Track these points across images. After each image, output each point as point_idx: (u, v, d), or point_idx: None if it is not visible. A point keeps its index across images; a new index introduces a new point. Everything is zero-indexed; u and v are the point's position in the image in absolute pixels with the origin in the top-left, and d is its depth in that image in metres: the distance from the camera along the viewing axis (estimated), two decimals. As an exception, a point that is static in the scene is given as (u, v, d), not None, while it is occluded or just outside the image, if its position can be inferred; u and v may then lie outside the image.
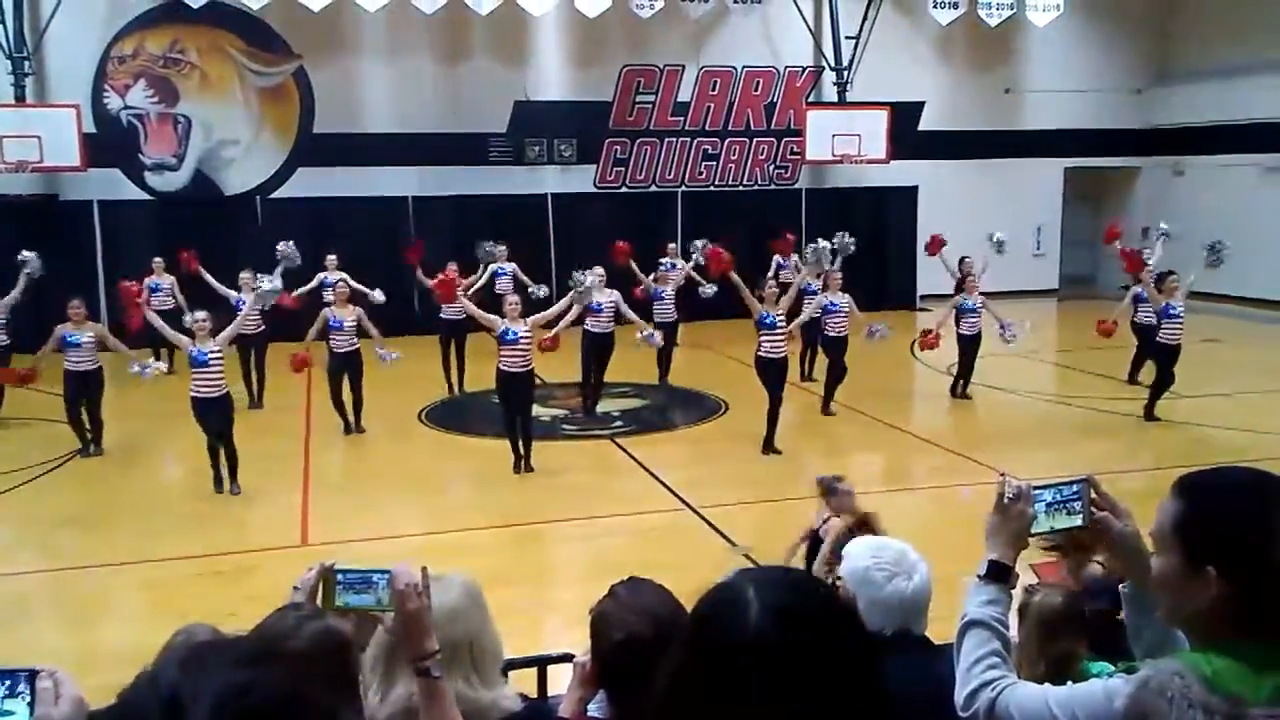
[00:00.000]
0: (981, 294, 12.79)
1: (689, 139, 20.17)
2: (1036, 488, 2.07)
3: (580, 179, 19.58)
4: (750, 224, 18.58)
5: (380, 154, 18.17)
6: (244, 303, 12.23)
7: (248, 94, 18.18)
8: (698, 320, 16.05)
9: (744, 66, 20.19)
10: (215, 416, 9.33)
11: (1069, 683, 1.92)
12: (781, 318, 10.71)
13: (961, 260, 14.06)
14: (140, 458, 10.96)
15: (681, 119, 20.08)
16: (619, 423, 12.09)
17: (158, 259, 14.37)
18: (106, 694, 1.86)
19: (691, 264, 13.86)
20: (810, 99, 20.48)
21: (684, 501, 9.11)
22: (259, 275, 11.30)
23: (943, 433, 11.59)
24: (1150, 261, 12.60)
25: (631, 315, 12.23)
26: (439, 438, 11.69)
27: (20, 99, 16.57)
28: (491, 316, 10.13)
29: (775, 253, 15.42)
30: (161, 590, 7.38)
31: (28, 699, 1.56)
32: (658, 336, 11.94)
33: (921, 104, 20.93)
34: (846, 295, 12.18)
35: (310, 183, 18.02)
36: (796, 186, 20.60)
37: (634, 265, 13.78)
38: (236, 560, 7.88)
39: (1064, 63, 21.35)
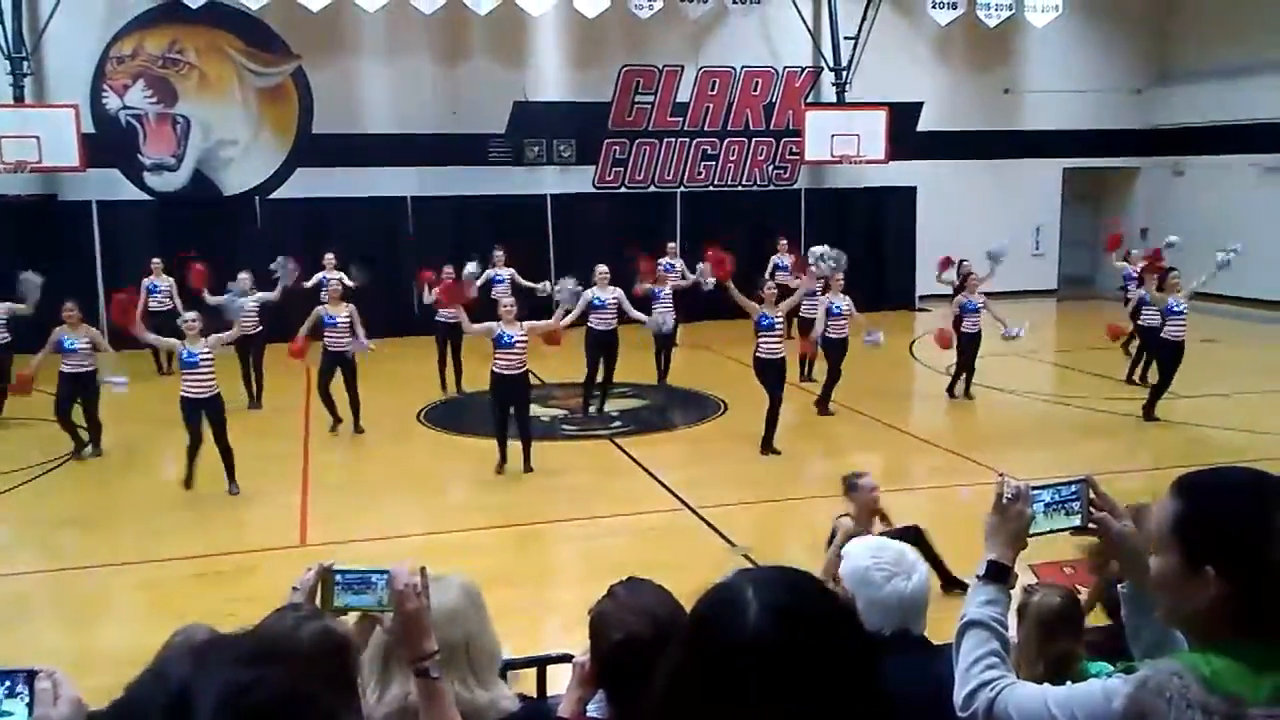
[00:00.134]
0: (983, 294, 12.80)
1: (688, 139, 20.18)
2: (1035, 488, 2.07)
3: (579, 179, 19.58)
4: (749, 224, 18.63)
5: (379, 154, 18.16)
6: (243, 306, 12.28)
7: (247, 94, 18.18)
8: (697, 320, 16.08)
9: (743, 67, 20.20)
10: (206, 417, 9.28)
11: (1068, 683, 1.92)
12: (780, 319, 10.77)
13: (960, 263, 14.08)
14: (140, 458, 10.96)
15: (680, 119, 20.08)
16: (618, 423, 12.09)
17: (156, 259, 14.38)
18: (105, 695, 1.87)
19: (691, 282, 13.92)
20: (809, 99, 20.49)
21: (683, 502, 9.11)
22: (234, 295, 11.11)
23: (942, 433, 11.59)
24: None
25: (635, 313, 12.31)
26: (438, 438, 11.69)
27: (19, 99, 16.56)
28: (485, 325, 10.05)
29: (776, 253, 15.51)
30: (160, 591, 7.38)
31: (26, 699, 1.56)
32: (670, 320, 12.18)
33: (920, 104, 20.93)
34: (847, 298, 12.21)
35: (309, 183, 18.01)
36: (795, 187, 20.60)
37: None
38: (235, 561, 7.88)
39: (1063, 63, 21.36)
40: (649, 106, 19.91)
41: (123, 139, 17.58)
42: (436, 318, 13.28)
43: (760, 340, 10.61)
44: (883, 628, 2.45)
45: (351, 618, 2.38)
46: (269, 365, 12.72)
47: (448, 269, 13.42)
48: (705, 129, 20.25)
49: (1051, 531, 2.09)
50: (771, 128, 20.50)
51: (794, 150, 20.23)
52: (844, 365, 12.11)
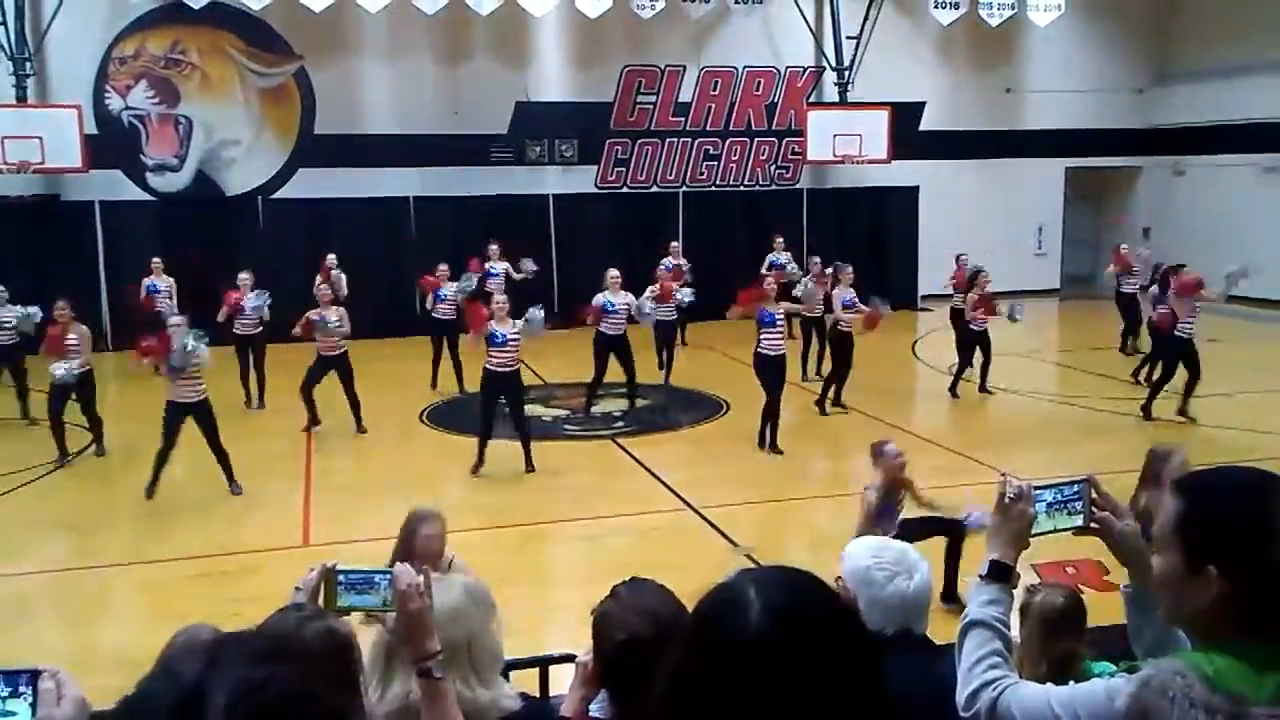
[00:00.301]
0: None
1: (690, 139, 20.17)
2: (1037, 488, 2.07)
3: (581, 179, 19.58)
4: (751, 224, 18.63)
5: (381, 154, 18.17)
6: (247, 310, 12.31)
7: (249, 95, 18.19)
8: (699, 320, 16.07)
9: (745, 67, 20.20)
10: (196, 422, 9.21)
11: (1070, 682, 1.92)
12: (781, 316, 10.81)
13: (958, 257, 14.07)
14: (141, 458, 10.85)
15: (683, 119, 20.08)
16: (620, 423, 12.09)
17: (156, 259, 14.39)
18: (107, 694, 1.87)
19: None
20: (811, 99, 20.48)
21: (686, 502, 9.11)
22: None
23: (944, 432, 11.58)
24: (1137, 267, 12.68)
25: (643, 316, 12.34)
26: (441, 438, 11.69)
27: (22, 100, 16.58)
28: (478, 329, 10.00)
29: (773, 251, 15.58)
30: (162, 591, 7.39)
31: (30, 699, 1.56)
32: (688, 294, 12.71)
33: (922, 104, 20.93)
34: (852, 291, 12.26)
35: (311, 183, 18.02)
36: (798, 187, 20.60)
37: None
38: (238, 561, 7.88)
39: (1065, 63, 21.35)
40: (651, 106, 19.90)
41: (125, 139, 17.60)
42: (433, 314, 13.35)
43: (762, 336, 10.62)
44: (885, 628, 2.44)
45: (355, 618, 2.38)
46: (270, 365, 12.72)
47: (442, 267, 13.51)
48: (707, 129, 20.24)
49: (1054, 531, 2.08)
50: (774, 128, 20.50)
51: (796, 150, 20.23)
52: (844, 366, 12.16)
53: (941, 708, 2.02)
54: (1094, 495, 2.08)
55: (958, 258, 14.03)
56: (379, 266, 16.96)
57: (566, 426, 11.99)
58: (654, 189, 20.07)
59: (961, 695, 1.97)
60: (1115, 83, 21.87)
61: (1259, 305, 18.86)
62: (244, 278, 12.58)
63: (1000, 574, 2.05)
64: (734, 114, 20.33)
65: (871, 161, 19.56)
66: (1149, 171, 22.47)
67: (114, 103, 17.55)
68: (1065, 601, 3.51)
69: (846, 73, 20.01)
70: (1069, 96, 21.41)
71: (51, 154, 16.02)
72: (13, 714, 1.55)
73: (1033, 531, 2.07)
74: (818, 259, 14.24)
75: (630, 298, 12.25)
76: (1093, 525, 2.08)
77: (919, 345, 16.92)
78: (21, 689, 1.57)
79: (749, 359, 11.00)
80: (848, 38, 19.83)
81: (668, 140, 20.09)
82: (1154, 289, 12.76)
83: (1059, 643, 3.40)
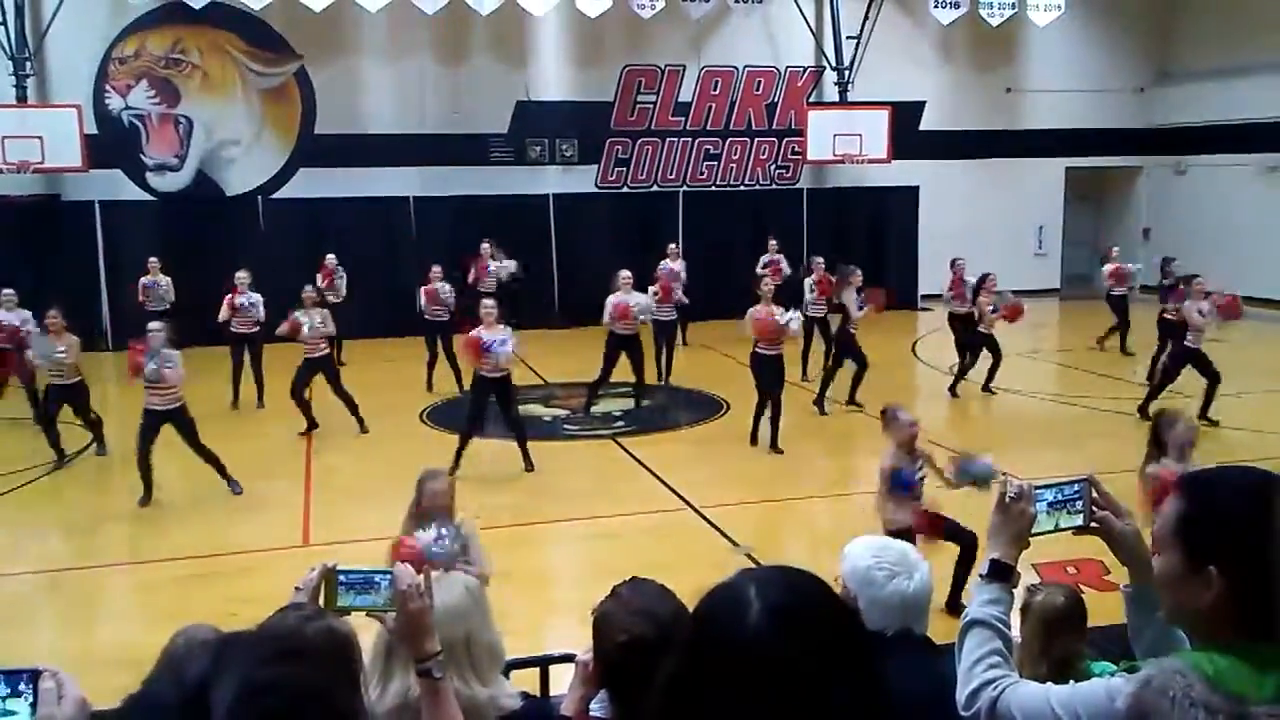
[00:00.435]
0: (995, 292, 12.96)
1: (690, 139, 20.17)
2: (1038, 487, 2.07)
3: (582, 179, 19.58)
4: (752, 224, 18.62)
5: (381, 154, 18.17)
6: (247, 309, 12.33)
7: (249, 94, 18.19)
8: (699, 320, 16.07)
9: (745, 66, 20.19)
10: (176, 429, 9.15)
11: (1071, 682, 1.92)
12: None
13: (953, 262, 14.05)
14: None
15: (683, 119, 20.08)
16: (620, 423, 12.09)
17: (153, 259, 14.38)
18: (107, 694, 1.87)
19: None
20: (811, 99, 20.48)
21: (686, 501, 9.11)
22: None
23: (944, 432, 11.53)
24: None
25: (645, 315, 12.36)
26: (441, 438, 11.66)
27: (22, 99, 16.58)
28: (471, 336, 9.95)
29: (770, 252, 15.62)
30: (161, 591, 7.38)
31: (30, 699, 1.56)
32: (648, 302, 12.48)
33: (923, 104, 20.92)
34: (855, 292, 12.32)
35: (311, 183, 18.02)
36: (798, 186, 20.60)
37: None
38: (237, 561, 7.87)
39: (1065, 62, 21.35)
40: (651, 106, 19.90)
41: (125, 139, 17.60)
42: (426, 316, 13.39)
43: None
44: (885, 628, 2.44)
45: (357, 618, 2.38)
46: (269, 365, 12.71)
47: (436, 268, 13.53)
48: (708, 128, 20.24)
49: (1054, 531, 2.08)
50: (774, 127, 20.49)
51: (796, 150, 20.22)
52: (842, 366, 12.19)
53: (941, 708, 2.02)
54: (1094, 495, 2.08)
55: (953, 263, 14.02)
56: (379, 266, 16.96)
57: (566, 426, 11.99)
58: (654, 189, 20.06)
59: (961, 695, 1.97)
60: (1115, 82, 21.86)
61: (1259, 305, 18.86)
62: (241, 276, 12.58)
63: (1001, 573, 2.05)
64: (734, 114, 20.33)
65: (871, 161, 19.55)
66: (1149, 171, 22.46)
67: (114, 102, 17.55)
68: (1066, 601, 3.51)
69: (846, 72, 20.00)
70: (1069, 96, 21.41)
71: (51, 154, 16.02)
72: (13, 714, 1.55)
73: (1033, 531, 2.07)
74: (820, 259, 14.23)
75: (643, 297, 12.25)
76: (1093, 525, 2.08)
77: (919, 345, 16.93)
78: (21, 689, 1.57)
79: (748, 359, 11.00)
80: (848, 37, 19.82)
81: (668, 140, 20.08)
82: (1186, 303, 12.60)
83: (1059, 642, 3.40)
